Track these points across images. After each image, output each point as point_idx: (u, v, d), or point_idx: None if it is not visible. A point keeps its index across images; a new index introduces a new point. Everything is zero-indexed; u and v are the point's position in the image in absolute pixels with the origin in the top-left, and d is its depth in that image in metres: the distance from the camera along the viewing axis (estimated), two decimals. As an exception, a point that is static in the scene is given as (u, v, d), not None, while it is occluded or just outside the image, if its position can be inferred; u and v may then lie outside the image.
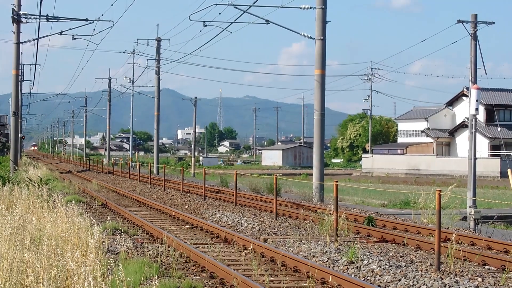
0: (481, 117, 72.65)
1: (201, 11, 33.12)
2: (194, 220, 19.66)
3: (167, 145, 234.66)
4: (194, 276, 12.00)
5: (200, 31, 36.78)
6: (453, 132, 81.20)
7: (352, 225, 17.63)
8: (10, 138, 48.36)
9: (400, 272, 11.84)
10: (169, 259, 12.87)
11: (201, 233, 17.91)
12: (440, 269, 12.19)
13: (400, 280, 11.45)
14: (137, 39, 62.42)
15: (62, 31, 40.68)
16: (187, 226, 19.27)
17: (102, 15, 38.74)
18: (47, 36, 43.78)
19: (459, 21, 32.64)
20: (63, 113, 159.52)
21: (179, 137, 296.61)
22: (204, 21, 34.41)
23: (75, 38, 41.83)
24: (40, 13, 39.00)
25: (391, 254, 14.11)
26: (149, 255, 13.31)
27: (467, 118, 46.15)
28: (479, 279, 11.61)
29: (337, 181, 16.19)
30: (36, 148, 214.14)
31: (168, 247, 13.84)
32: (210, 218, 21.78)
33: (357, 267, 12.51)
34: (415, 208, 21.94)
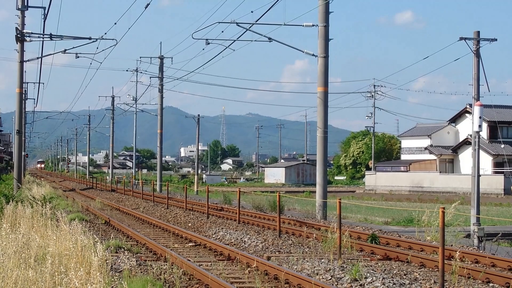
0: (484, 134, 72.60)
1: (204, 29, 33.15)
2: (197, 238, 19.65)
3: (170, 163, 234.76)
4: (198, 294, 11.97)
5: (203, 49, 36.93)
6: (456, 149, 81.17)
7: (356, 243, 17.60)
8: (13, 156, 48.46)
9: (404, 289, 11.80)
10: (173, 277, 12.85)
11: (205, 251, 17.89)
12: (444, 287, 12.16)
13: (404, 297, 11.41)
14: (140, 57, 62.48)
15: (65, 50, 40.85)
16: (190, 244, 19.24)
17: (105, 33, 39.01)
18: (50, 54, 43.74)
19: (461, 38, 32.68)
20: (66, 131, 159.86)
21: (182, 154, 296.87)
22: (207, 39, 34.49)
23: (78, 57, 41.98)
24: (43, 32, 39.21)
25: (395, 271, 14.07)
26: (153, 273, 13.29)
27: (470, 135, 46.14)
28: (484, 297, 11.58)
29: (340, 199, 16.18)
30: (43, 165, 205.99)
31: (172, 265, 13.83)
32: (214, 236, 21.75)
33: (360, 285, 12.47)
34: (419, 225, 21.88)
